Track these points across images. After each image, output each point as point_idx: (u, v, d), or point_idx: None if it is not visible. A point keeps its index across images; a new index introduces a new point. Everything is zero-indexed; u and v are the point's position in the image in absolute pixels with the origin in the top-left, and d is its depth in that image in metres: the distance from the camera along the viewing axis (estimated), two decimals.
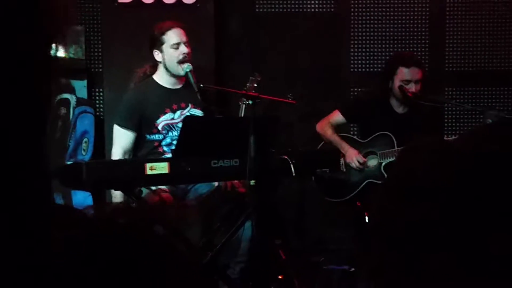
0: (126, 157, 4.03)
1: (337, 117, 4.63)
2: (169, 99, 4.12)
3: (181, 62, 4.03)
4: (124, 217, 0.63)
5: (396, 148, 4.41)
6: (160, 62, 4.11)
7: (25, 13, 0.59)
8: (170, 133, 4.11)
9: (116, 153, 4.03)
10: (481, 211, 0.81)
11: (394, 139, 4.44)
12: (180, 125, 4.03)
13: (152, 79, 4.18)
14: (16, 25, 0.58)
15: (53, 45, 0.61)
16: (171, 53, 4.05)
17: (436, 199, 0.81)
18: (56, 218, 0.60)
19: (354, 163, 4.47)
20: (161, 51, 4.08)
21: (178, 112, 4.13)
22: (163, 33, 4.05)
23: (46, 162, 0.61)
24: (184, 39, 4.05)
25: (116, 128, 4.07)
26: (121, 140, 4.05)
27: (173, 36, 4.05)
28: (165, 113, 4.11)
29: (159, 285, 0.60)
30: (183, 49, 4.03)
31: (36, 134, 0.60)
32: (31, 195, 0.59)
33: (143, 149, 4.11)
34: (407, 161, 0.87)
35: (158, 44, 4.07)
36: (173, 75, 4.11)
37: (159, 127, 4.09)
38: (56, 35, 0.61)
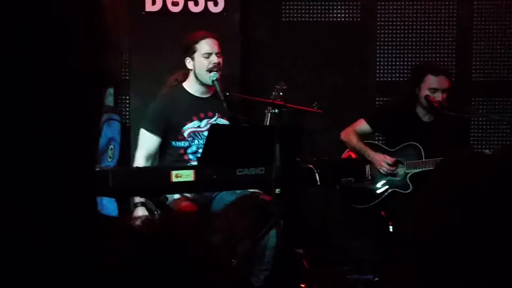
0: (150, 161, 4.07)
1: (362, 125, 4.61)
2: (197, 107, 4.16)
3: (210, 70, 4.06)
4: (169, 229, 0.64)
5: (423, 160, 4.39)
6: (191, 70, 4.16)
7: (86, 25, 0.60)
8: (195, 141, 4.13)
9: (140, 156, 4.07)
10: None
11: (422, 150, 4.41)
12: (205, 133, 4.06)
13: (182, 86, 4.22)
14: (78, 37, 0.59)
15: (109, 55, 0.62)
16: (202, 62, 4.08)
17: (474, 212, 0.81)
18: (104, 228, 0.61)
19: (385, 167, 4.44)
20: (193, 59, 4.12)
21: (205, 121, 4.16)
22: (196, 42, 4.09)
23: (95, 168, 0.62)
24: (216, 49, 4.09)
25: (143, 132, 4.12)
26: (146, 144, 4.09)
27: (205, 45, 4.09)
28: (192, 120, 4.14)
29: None
30: (214, 58, 4.07)
31: (89, 140, 0.61)
32: (83, 201, 0.60)
33: (168, 156, 4.14)
34: (446, 173, 0.87)
35: (190, 52, 4.11)
36: (202, 84, 4.15)
37: (185, 134, 4.12)
38: (111, 44, 0.62)
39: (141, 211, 3.82)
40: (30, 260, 0.55)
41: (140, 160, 4.05)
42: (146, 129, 4.10)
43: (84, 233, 0.57)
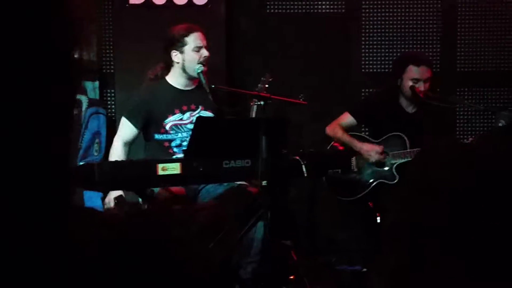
0: (126, 148, 4.11)
1: (347, 119, 4.61)
2: (179, 100, 4.14)
3: (200, 64, 4.05)
4: (144, 220, 0.64)
5: (408, 150, 4.40)
6: (177, 63, 4.12)
7: (54, 19, 0.59)
8: (179, 134, 4.12)
9: (117, 141, 4.12)
10: (500, 214, 0.80)
11: (406, 140, 4.42)
12: (189, 126, 4.06)
13: (164, 79, 4.20)
14: (46, 29, 0.59)
15: (77, 47, 0.62)
16: (192, 56, 4.06)
17: (454, 201, 0.81)
18: (80, 220, 0.60)
19: (374, 156, 4.44)
20: (181, 52, 4.09)
21: (188, 114, 4.15)
22: (186, 35, 4.07)
23: (70, 160, 0.62)
24: (204, 43, 4.09)
25: (123, 119, 4.16)
26: (124, 132, 4.13)
27: (195, 39, 4.07)
28: (174, 113, 4.13)
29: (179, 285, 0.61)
30: (204, 52, 4.06)
31: (63, 133, 0.61)
32: (55, 193, 0.60)
33: (153, 149, 4.14)
34: (425, 162, 0.87)
35: (178, 45, 4.08)
36: (189, 77, 4.13)
37: (167, 127, 4.11)
38: (80, 37, 0.62)
39: (114, 193, 3.80)
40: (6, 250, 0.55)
41: (116, 144, 4.10)
42: (126, 118, 4.13)
43: (58, 223, 0.57)
